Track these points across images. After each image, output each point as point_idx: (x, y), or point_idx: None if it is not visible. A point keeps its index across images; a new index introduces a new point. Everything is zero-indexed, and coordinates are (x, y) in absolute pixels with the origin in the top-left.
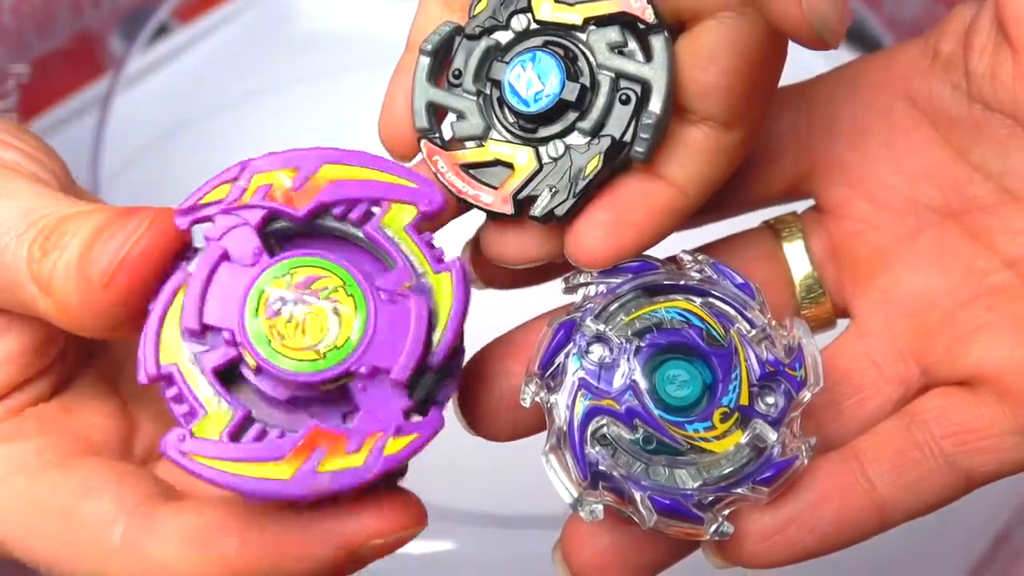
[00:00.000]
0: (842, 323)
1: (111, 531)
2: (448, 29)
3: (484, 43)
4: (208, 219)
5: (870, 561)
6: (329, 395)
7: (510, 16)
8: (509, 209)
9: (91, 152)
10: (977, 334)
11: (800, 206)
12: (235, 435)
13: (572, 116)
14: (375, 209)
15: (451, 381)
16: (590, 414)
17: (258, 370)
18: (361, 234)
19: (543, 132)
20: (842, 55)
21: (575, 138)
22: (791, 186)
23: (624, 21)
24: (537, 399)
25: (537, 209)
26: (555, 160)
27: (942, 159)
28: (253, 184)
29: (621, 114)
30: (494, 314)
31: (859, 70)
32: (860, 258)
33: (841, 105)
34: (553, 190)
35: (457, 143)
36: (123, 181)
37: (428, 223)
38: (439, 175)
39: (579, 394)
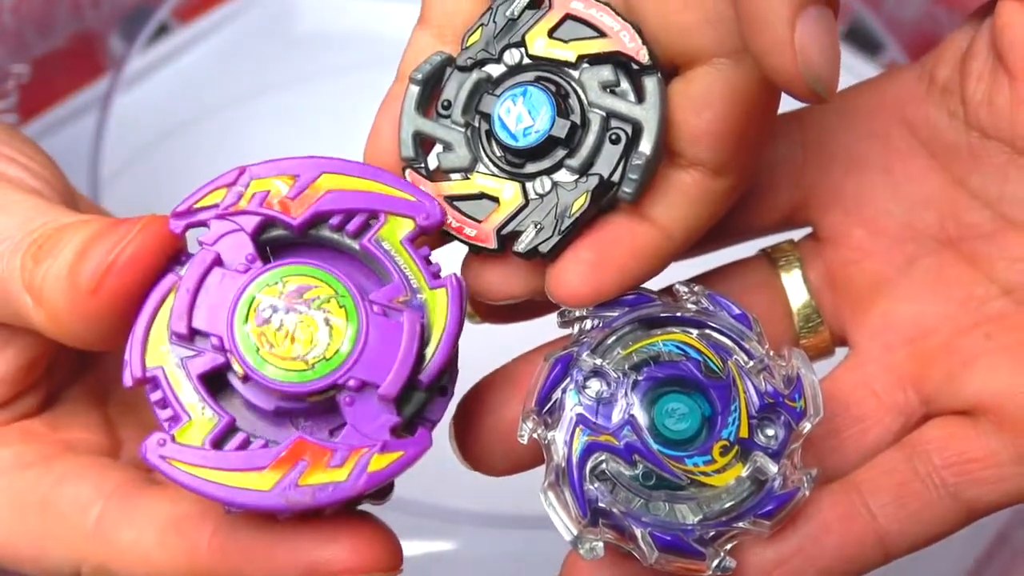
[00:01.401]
0: (840, 352)
1: (88, 514)
2: (439, 59)
3: (475, 75)
4: (203, 223)
5: None
6: (317, 408)
7: (503, 50)
8: (492, 243)
9: (91, 152)
10: (976, 363)
11: (797, 234)
12: (218, 443)
13: (561, 153)
14: (372, 221)
15: (442, 400)
16: (589, 450)
17: (245, 378)
18: (357, 246)
19: (530, 168)
20: (844, 56)
21: (563, 175)
22: (788, 214)
23: (618, 61)
24: (535, 436)
25: (521, 245)
26: (541, 196)
27: (939, 186)
28: (250, 190)
29: (610, 153)
30: (491, 346)
31: (855, 96)
32: (858, 286)
33: (837, 132)
34: (538, 227)
35: (442, 174)
36: (123, 181)
37: (426, 238)
38: None
39: (577, 430)
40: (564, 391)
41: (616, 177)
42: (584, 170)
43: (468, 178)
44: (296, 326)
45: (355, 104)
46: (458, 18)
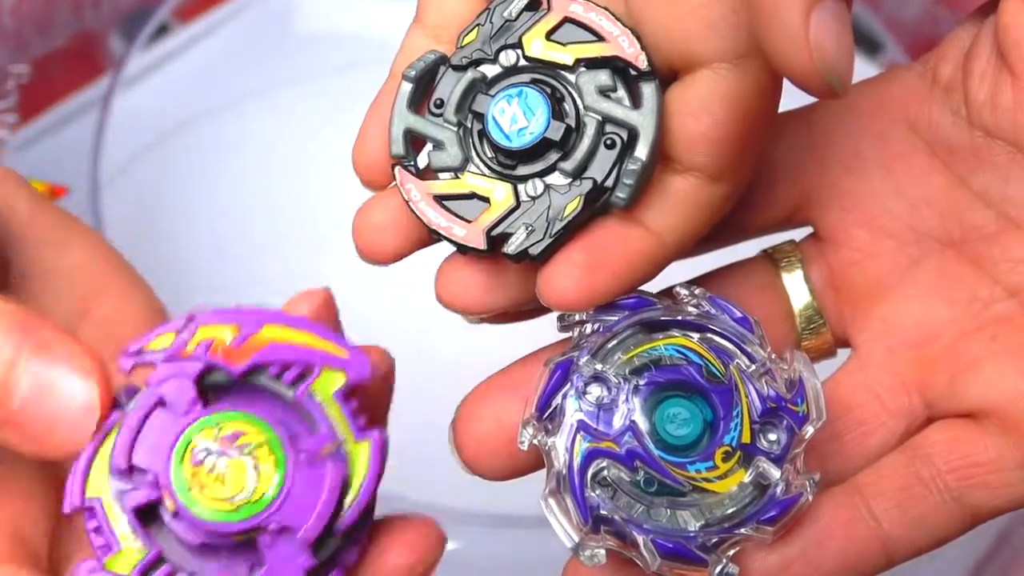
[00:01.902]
0: (843, 353)
1: None
2: (433, 57)
3: (470, 75)
4: (150, 364)
5: None
6: (240, 546)
7: (499, 50)
8: (482, 244)
9: (91, 152)
10: (980, 365)
11: (798, 234)
12: (144, 573)
13: (554, 156)
14: (308, 373)
15: (355, 547)
16: (590, 457)
17: (176, 514)
18: (292, 395)
19: (523, 170)
20: None
21: (556, 178)
22: (789, 214)
23: (616, 66)
24: (535, 442)
25: (511, 247)
26: (533, 199)
27: (942, 186)
28: (197, 337)
29: (605, 158)
30: (491, 347)
31: (857, 95)
32: (860, 287)
33: (839, 132)
34: (529, 229)
35: (432, 173)
36: (123, 181)
37: (356, 391)
38: (410, 204)
39: (578, 436)
40: (564, 397)
41: (610, 182)
42: (578, 174)
43: (458, 177)
44: (227, 469)
45: (355, 104)
46: (454, 19)
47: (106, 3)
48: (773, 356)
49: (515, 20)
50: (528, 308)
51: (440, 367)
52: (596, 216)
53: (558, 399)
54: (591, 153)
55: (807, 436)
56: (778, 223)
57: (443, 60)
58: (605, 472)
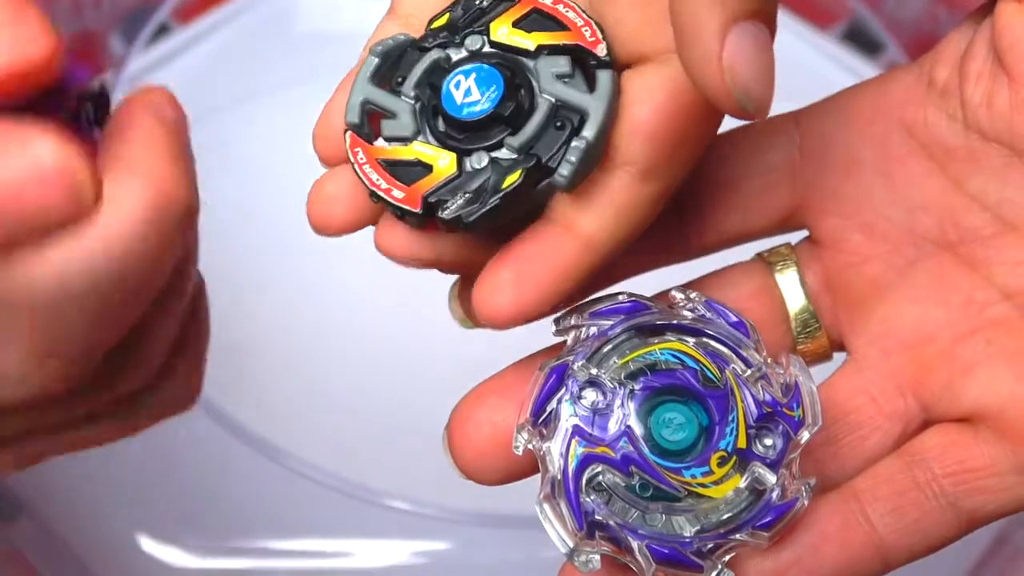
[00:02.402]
0: (838, 356)
1: None
2: (403, 38)
3: (434, 54)
4: None
5: None
6: None
7: (466, 35)
8: (417, 207)
9: None
10: (976, 369)
11: (794, 237)
12: None
13: (503, 132)
14: None
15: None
16: (585, 462)
17: None
18: None
19: (471, 144)
20: (844, 57)
21: (502, 154)
22: (784, 217)
23: (576, 54)
24: (530, 447)
25: (446, 212)
26: (477, 171)
27: (938, 189)
28: None
29: (553, 138)
30: (487, 350)
31: (853, 98)
32: (856, 290)
33: (835, 134)
34: (467, 196)
35: (383, 142)
36: None
37: None
38: (356, 166)
39: (573, 442)
40: (559, 402)
41: (554, 163)
42: (524, 151)
43: (407, 146)
44: None
45: None
46: (426, 10)
47: (106, 3)
48: (769, 360)
49: (486, 8)
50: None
51: (437, 370)
52: (536, 199)
53: (553, 404)
54: (540, 132)
55: (803, 441)
56: (775, 227)
57: (411, 42)
58: (600, 477)
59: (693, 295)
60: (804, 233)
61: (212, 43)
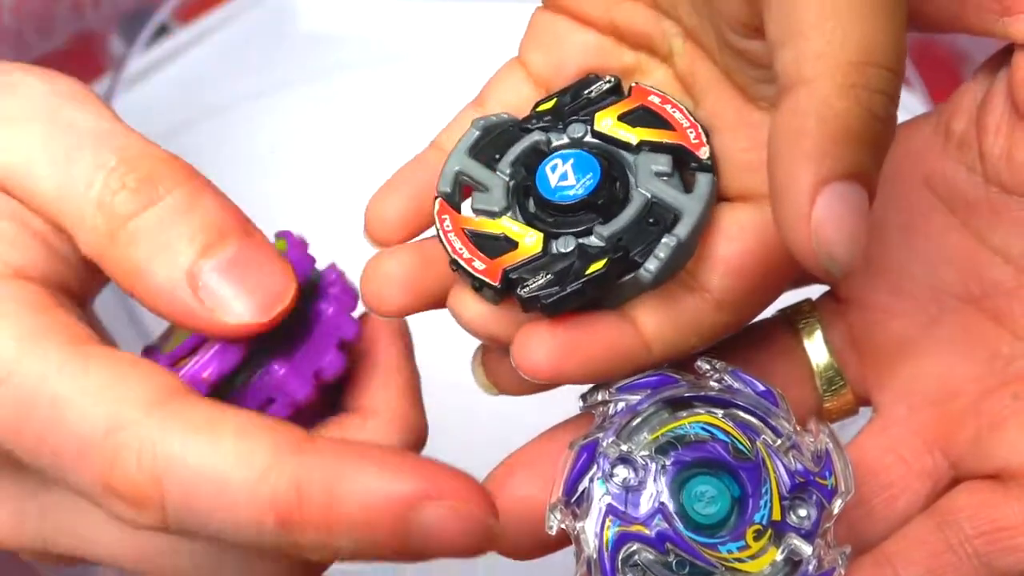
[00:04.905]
0: (864, 410)
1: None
2: (507, 117)
3: (535, 136)
4: None
5: None
6: None
7: (570, 123)
8: (497, 281)
9: None
10: (1005, 424)
11: (814, 291)
12: None
13: (594, 220)
14: None
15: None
16: (620, 541)
17: None
18: None
19: (560, 228)
20: None
21: (590, 241)
22: (805, 272)
23: (677, 155)
24: (563, 526)
25: (525, 290)
26: (563, 254)
27: (960, 243)
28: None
29: (644, 233)
30: (512, 412)
31: None
32: (881, 347)
33: None
34: (548, 277)
35: (472, 213)
36: None
37: None
38: (442, 233)
39: (607, 521)
40: (591, 480)
41: (642, 258)
42: (613, 241)
43: (495, 220)
44: None
45: (355, 104)
46: (513, 107)
47: (106, 3)
48: (798, 429)
49: (593, 99)
50: None
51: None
52: (619, 292)
53: (585, 482)
54: (631, 225)
55: (836, 510)
56: (796, 281)
57: (514, 122)
58: (636, 556)
59: (718, 364)
60: (825, 288)
61: (212, 43)
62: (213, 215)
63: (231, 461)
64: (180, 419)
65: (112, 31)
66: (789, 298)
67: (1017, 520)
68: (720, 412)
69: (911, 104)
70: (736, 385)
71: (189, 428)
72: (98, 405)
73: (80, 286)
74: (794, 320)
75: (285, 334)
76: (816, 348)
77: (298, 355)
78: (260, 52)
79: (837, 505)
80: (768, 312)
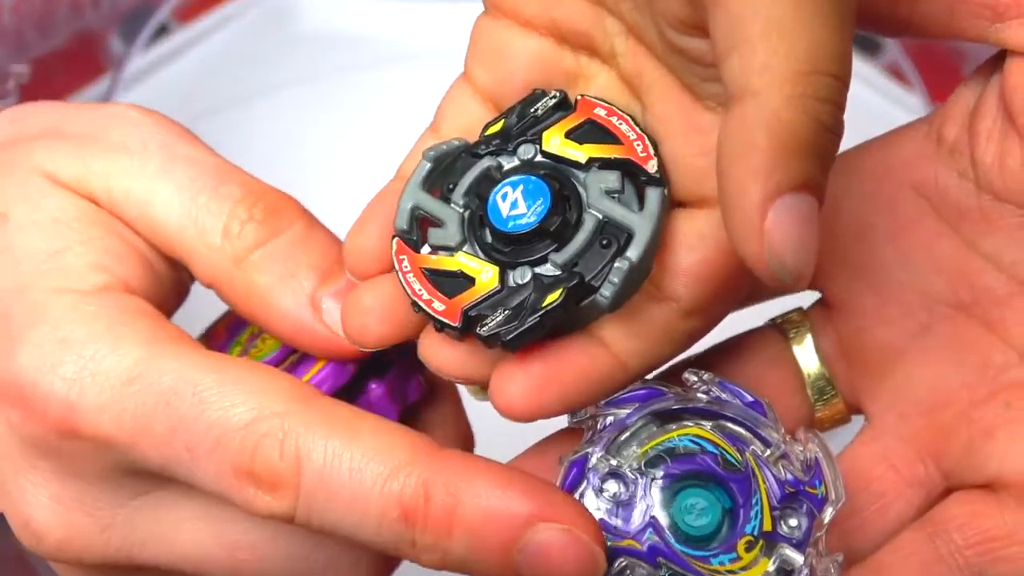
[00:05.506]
0: (857, 419)
1: None
2: (457, 144)
3: (486, 162)
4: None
5: None
6: None
7: (518, 144)
8: (457, 321)
9: None
10: (996, 434)
11: (805, 299)
12: None
13: (548, 247)
14: None
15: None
16: (611, 557)
17: None
18: None
19: (516, 258)
20: None
21: (546, 269)
22: None
23: (627, 169)
24: None
25: (484, 328)
26: (519, 286)
27: (951, 251)
28: None
29: (597, 256)
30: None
31: (862, 158)
32: (870, 355)
33: (845, 197)
34: (506, 313)
35: (430, 251)
36: None
37: None
38: (400, 275)
39: None
40: (582, 496)
41: (597, 282)
42: (568, 268)
43: (452, 256)
44: None
45: (355, 104)
46: (467, 133)
47: (106, 3)
48: (788, 438)
49: (540, 116)
50: None
51: None
52: (576, 320)
53: (575, 497)
54: (584, 249)
55: (827, 519)
56: (786, 288)
57: (465, 148)
58: (629, 572)
59: (706, 376)
60: (816, 296)
61: (212, 43)
62: (327, 247)
63: (368, 455)
64: (322, 414)
65: (112, 31)
66: (779, 307)
67: (1008, 530)
68: (708, 424)
69: (911, 104)
70: (724, 396)
71: (331, 423)
72: (243, 396)
73: (167, 307)
74: (784, 329)
75: (377, 355)
76: (807, 357)
77: (389, 376)
78: (260, 52)
79: (828, 514)
80: (759, 321)
